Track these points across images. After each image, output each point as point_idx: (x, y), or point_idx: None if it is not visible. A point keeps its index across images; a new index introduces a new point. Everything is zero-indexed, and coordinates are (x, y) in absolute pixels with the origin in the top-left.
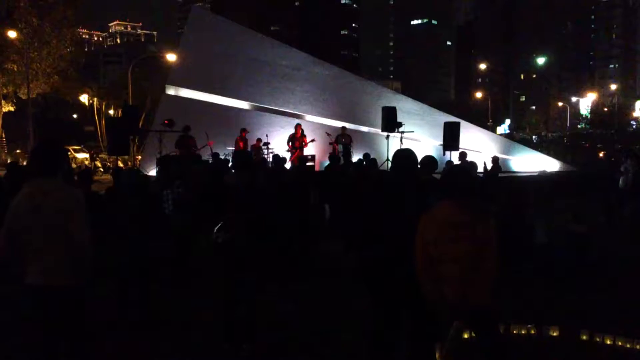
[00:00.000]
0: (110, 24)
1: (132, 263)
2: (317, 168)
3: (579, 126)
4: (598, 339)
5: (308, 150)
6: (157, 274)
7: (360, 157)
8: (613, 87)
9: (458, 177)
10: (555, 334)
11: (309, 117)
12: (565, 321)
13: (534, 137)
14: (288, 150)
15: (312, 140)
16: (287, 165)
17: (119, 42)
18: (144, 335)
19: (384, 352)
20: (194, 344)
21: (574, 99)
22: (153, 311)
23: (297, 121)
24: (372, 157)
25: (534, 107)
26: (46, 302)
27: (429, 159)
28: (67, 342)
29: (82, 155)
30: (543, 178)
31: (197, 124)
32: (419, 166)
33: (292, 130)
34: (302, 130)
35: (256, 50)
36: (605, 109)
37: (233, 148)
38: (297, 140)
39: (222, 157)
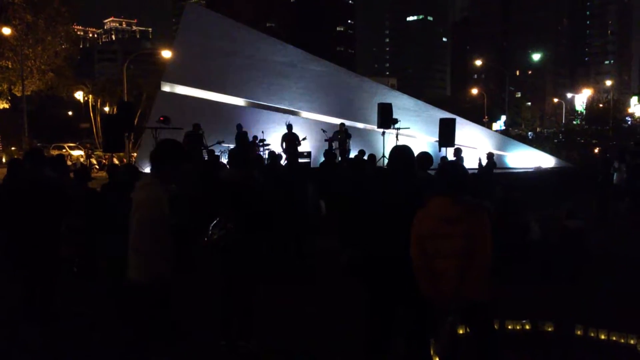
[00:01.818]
0: (105, 21)
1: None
2: (312, 164)
3: (574, 122)
4: (593, 334)
5: (304, 147)
6: None
7: (357, 153)
8: (608, 83)
9: (451, 173)
10: (549, 329)
11: (305, 114)
12: (559, 316)
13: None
14: (283, 151)
15: (304, 139)
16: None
17: (114, 38)
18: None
19: (380, 347)
20: (190, 341)
21: (569, 95)
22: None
23: (292, 118)
24: (369, 154)
25: (529, 104)
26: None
27: (424, 155)
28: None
29: (77, 153)
30: (538, 174)
31: (191, 121)
32: (415, 163)
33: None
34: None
35: (251, 46)
36: (601, 105)
37: (228, 145)
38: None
39: (218, 153)
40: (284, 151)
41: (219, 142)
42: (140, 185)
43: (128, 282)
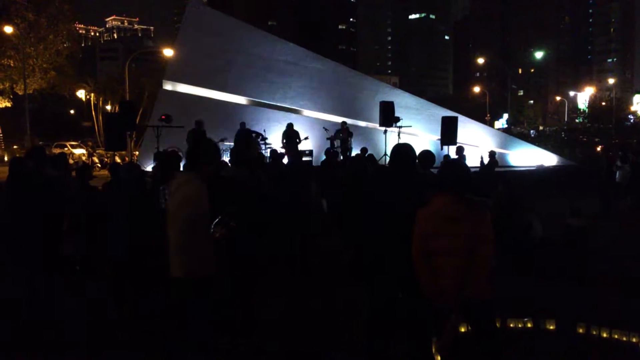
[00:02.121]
0: (107, 19)
1: (129, 257)
2: (314, 163)
3: (576, 120)
4: (594, 332)
5: (306, 146)
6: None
7: (359, 152)
8: (611, 81)
9: (453, 171)
10: (551, 327)
11: (307, 112)
12: (561, 314)
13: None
14: (282, 147)
15: (306, 138)
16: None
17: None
18: (141, 329)
19: (381, 346)
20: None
21: (571, 93)
22: (149, 305)
23: (294, 116)
24: (370, 152)
25: (531, 102)
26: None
27: (426, 154)
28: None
29: (79, 151)
30: (540, 172)
31: (193, 119)
32: (417, 161)
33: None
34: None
35: (253, 45)
36: (603, 103)
37: (230, 143)
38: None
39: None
40: (283, 147)
41: (222, 140)
42: (180, 182)
43: (175, 278)
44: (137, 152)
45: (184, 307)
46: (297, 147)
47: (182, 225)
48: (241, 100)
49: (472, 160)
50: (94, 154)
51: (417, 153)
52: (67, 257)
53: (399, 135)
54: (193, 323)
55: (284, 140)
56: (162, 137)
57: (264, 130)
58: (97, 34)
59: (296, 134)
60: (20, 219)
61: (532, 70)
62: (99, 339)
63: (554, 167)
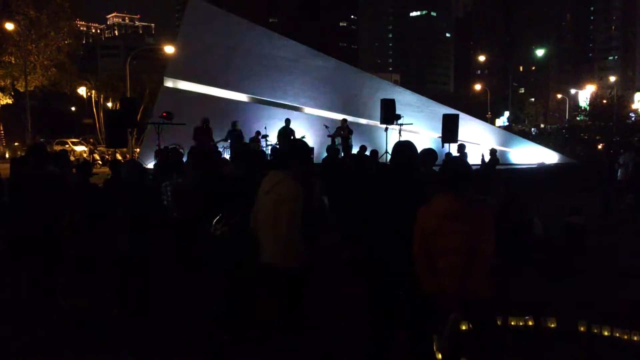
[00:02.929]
0: (108, 16)
1: (131, 254)
2: (315, 160)
3: (577, 118)
4: (596, 330)
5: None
6: (156, 265)
7: (358, 149)
8: (612, 79)
9: (454, 170)
10: (552, 326)
11: (308, 110)
12: (562, 313)
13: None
14: (277, 144)
15: (303, 137)
16: None
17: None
18: (143, 326)
19: (382, 344)
20: (193, 334)
21: (572, 91)
22: (152, 302)
23: (295, 114)
24: (371, 149)
25: (532, 99)
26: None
27: (429, 152)
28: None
29: (80, 148)
30: (541, 170)
31: (195, 117)
32: (418, 159)
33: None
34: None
35: (254, 42)
36: (604, 101)
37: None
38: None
39: (221, 149)
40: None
41: (225, 140)
42: (277, 180)
43: (275, 268)
44: (138, 149)
45: (284, 294)
46: None
47: (287, 219)
48: (242, 97)
49: (473, 158)
50: (95, 151)
51: (419, 151)
52: (69, 255)
53: (399, 132)
54: (291, 307)
55: (280, 138)
56: (163, 134)
57: (265, 128)
58: (98, 31)
59: (292, 132)
60: (22, 217)
61: (533, 68)
62: (101, 337)
63: (555, 165)
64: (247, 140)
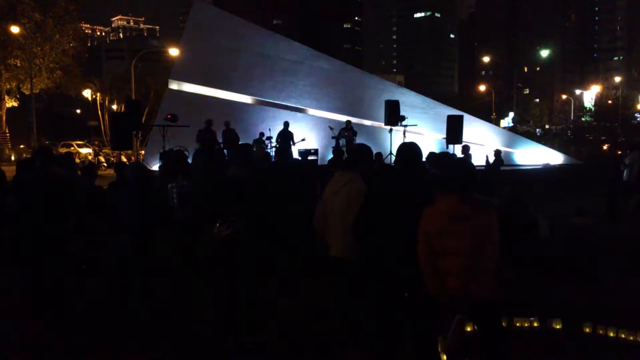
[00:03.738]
0: (113, 19)
1: (135, 256)
2: (319, 162)
3: (582, 119)
4: (601, 332)
5: (311, 144)
6: (160, 267)
7: None
8: (617, 79)
9: (458, 171)
10: (558, 327)
11: (312, 111)
12: (568, 314)
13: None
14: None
15: (303, 140)
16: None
17: (121, 36)
18: (146, 328)
19: (387, 345)
20: (196, 337)
21: (577, 92)
22: (155, 304)
23: (299, 115)
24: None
25: (537, 100)
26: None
27: (442, 155)
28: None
29: (85, 150)
30: (546, 171)
31: (199, 119)
32: (424, 160)
33: (294, 125)
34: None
35: (259, 44)
36: (609, 102)
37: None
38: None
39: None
40: (277, 146)
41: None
42: (345, 180)
43: (339, 259)
44: (142, 152)
45: (350, 283)
46: (290, 149)
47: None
48: (246, 99)
49: (478, 159)
50: (100, 153)
51: (430, 153)
52: (73, 257)
53: (404, 134)
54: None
55: (279, 140)
56: (168, 136)
57: (269, 129)
58: (103, 34)
59: (291, 134)
60: (27, 218)
61: (538, 69)
62: (106, 338)
63: (560, 165)
64: (250, 142)
